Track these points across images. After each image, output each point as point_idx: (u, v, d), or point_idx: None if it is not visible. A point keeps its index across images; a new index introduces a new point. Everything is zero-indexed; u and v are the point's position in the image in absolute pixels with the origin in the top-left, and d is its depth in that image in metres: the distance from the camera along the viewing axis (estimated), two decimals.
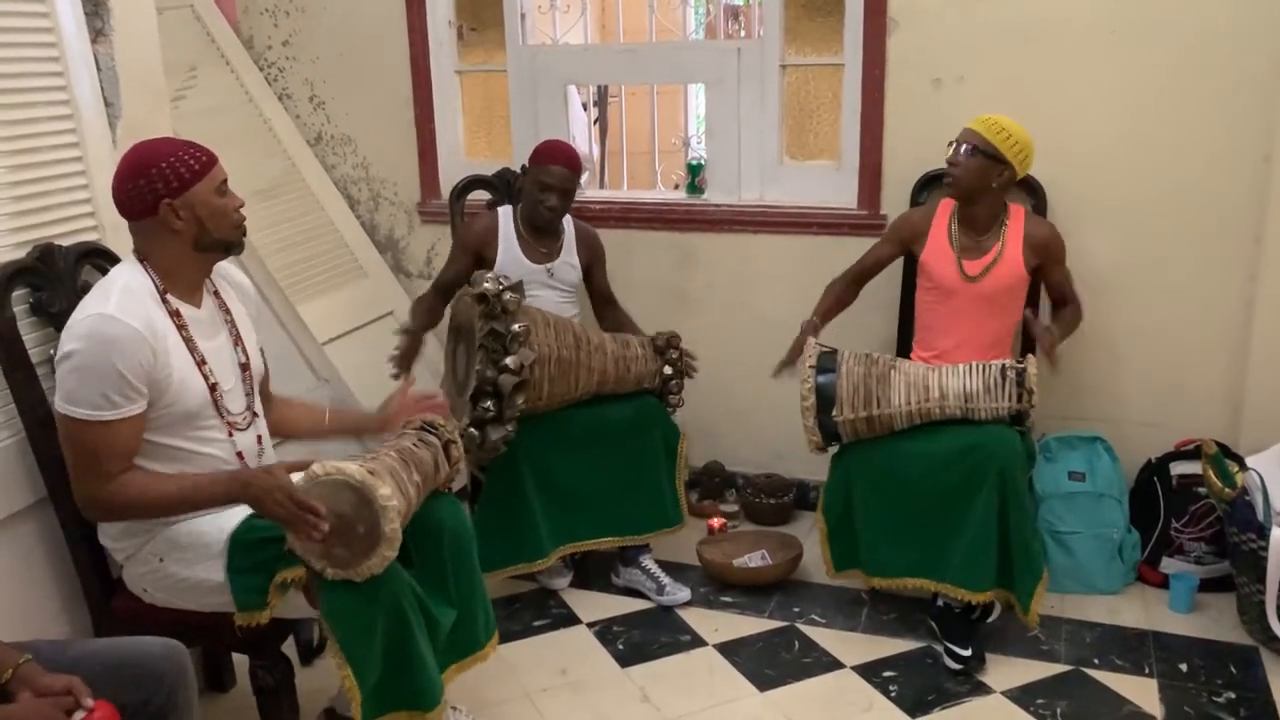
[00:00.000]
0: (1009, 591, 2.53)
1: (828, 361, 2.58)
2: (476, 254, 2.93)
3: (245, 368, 2.06)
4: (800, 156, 3.31)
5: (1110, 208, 2.91)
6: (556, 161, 2.88)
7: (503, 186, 3.23)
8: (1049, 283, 2.75)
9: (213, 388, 1.95)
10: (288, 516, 1.79)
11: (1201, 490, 2.81)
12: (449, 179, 3.44)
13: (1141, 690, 2.44)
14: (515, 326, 2.57)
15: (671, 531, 2.91)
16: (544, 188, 2.87)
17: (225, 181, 1.95)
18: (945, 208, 2.78)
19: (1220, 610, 2.75)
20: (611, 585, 2.95)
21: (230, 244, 1.97)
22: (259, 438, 2.07)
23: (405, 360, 2.86)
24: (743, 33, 4.80)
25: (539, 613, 2.84)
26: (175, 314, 1.93)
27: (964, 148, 2.61)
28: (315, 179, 3.54)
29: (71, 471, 1.87)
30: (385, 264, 3.61)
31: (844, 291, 2.85)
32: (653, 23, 3.51)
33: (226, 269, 2.12)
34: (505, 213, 3.00)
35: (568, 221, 3.04)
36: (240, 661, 2.37)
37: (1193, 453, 2.86)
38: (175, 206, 1.88)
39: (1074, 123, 2.88)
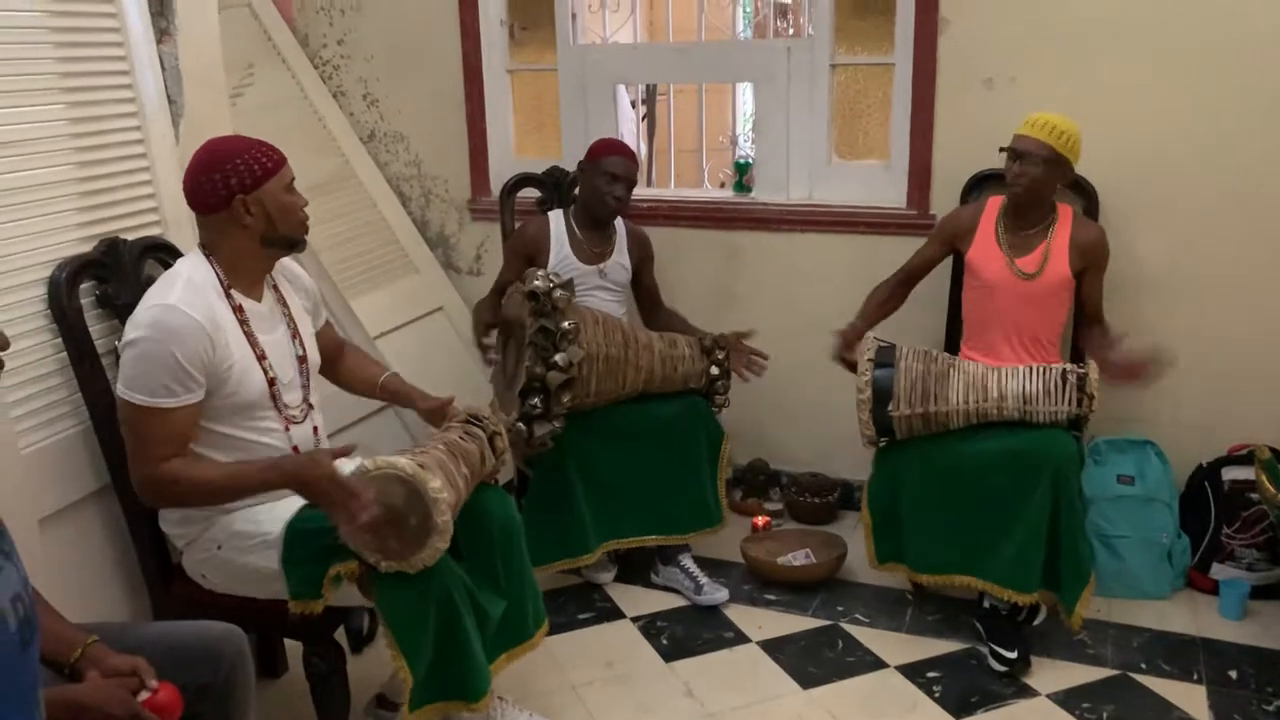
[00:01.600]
0: (1054, 594, 2.50)
1: (886, 356, 2.57)
2: (529, 259, 2.96)
3: (302, 360, 2.09)
4: (849, 156, 3.30)
5: (1164, 209, 2.86)
6: (618, 153, 2.91)
7: (552, 184, 3.25)
8: (1084, 292, 2.71)
9: (271, 381, 1.99)
10: (333, 501, 1.82)
11: (1254, 496, 2.76)
12: (499, 176, 3.47)
13: (1189, 696, 2.40)
14: (565, 324, 2.59)
15: (711, 532, 2.92)
16: (611, 179, 2.89)
17: (293, 181, 2.00)
18: (993, 205, 2.76)
19: (1271, 617, 2.70)
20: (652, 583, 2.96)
21: (295, 241, 2.02)
22: (315, 429, 2.10)
23: (498, 344, 2.83)
24: (792, 31, 4.78)
25: (584, 606, 2.86)
26: (238, 309, 1.96)
27: (1030, 160, 2.57)
28: (368, 176, 3.58)
29: (129, 454, 1.91)
30: (435, 260, 3.65)
31: (890, 296, 2.84)
32: (702, 22, 3.51)
33: (286, 264, 2.15)
34: (556, 216, 3.02)
35: (618, 222, 3.06)
36: (293, 648, 2.40)
37: (1245, 458, 2.81)
38: (247, 202, 1.92)
39: (1128, 123, 2.83)
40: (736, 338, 2.93)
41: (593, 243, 2.99)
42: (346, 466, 1.93)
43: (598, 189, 2.90)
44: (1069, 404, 2.46)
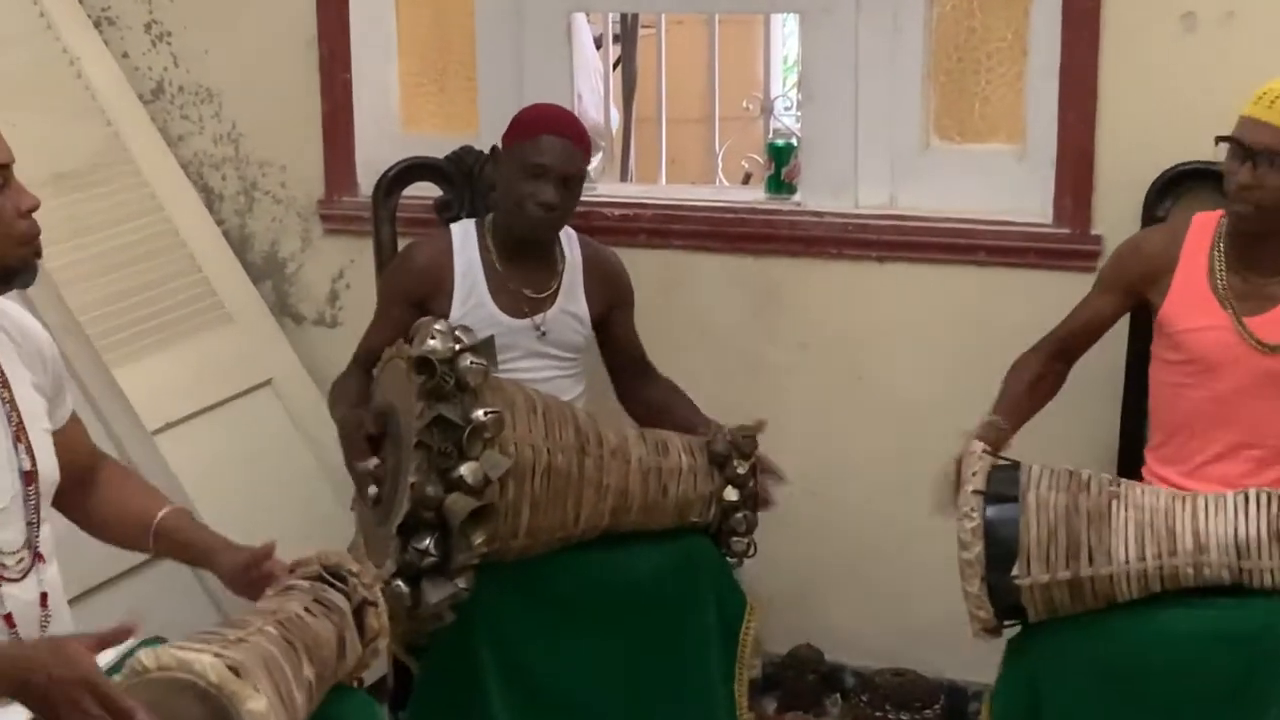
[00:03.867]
0: None
1: (1005, 484, 2.58)
2: (420, 305, 2.96)
3: (30, 477, 2.09)
4: (959, 137, 3.35)
5: None
6: (548, 129, 2.95)
7: (462, 177, 3.28)
8: None
9: None
10: None
11: None
12: (374, 163, 3.49)
13: None
14: (479, 413, 2.59)
15: None
16: (534, 173, 2.91)
17: (4, 168, 2.01)
18: (1203, 227, 2.80)
19: None
20: None
21: (12, 270, 2.02)
22: (44, 596, 2.08)
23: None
24: None
25: None
26: None
27: (1276, 163, 2.60)
28: (151, 158, 3.60)
29: None
30: (263, 300, 3.66)
31: (1041, 375, 2.88)
32: None
33: (13, 313, 2.16)
34: (464, 232, 3.05)
35: (570, 242, 3.08)
36: None
37: None
38: None
39: None
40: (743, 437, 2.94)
41: (524, 277, 3.02)
42: (106, 660, 1.92)
43: (514, 191, 2.94)
44: None
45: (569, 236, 3.10)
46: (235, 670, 1.88)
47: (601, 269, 3.11)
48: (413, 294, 2.99)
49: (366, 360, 3.00)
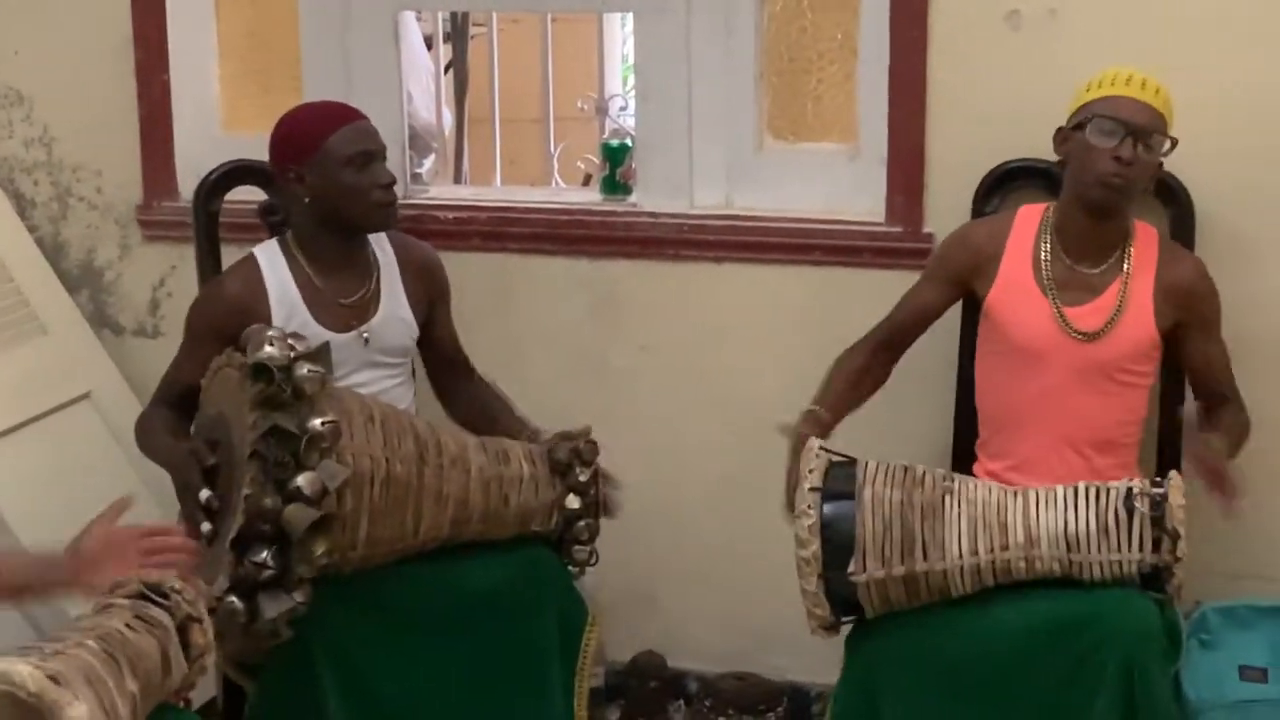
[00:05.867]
0: None
1: (842, 480, 2.64)
2: (235, 339, 2.80)
3: None
4: (792, 136, 3.43)
5: None
6: (345, 118, 2.96)
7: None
8: (1190, 362, 2.86)
9: None
10: None
11: None
12: (194, 166, 3.48)
13: None
14: (316, 422, 2.59)
15: None
16: (361, 162, 2.91)
17: None
18: (1028, 218, 2.89)
19: None
20: None
21: None
22: None
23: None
24: None
25: None
26: None
27: (1155, 143, 2.70)
28: None
29: None
30: (79, 310, 3.64)
31: (866, 367, 2.94)
32: None
33: None
34: (269, 254, 3.01)
35: (379, 242, 3.07)
36: None
37: None
38: None
39: (1240, 87, 3.01)
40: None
41: (342, 289, 3.01)
42: None
43: (350, 190, 2.91)
44: (1139, 547, 2.56)
45: (375, 237, 3.08)
46: (54, 679, 1.88)
47: (416, 265, 3.11)
48: (226, 327, 2.86)
49: (174, 398, 2.98)
